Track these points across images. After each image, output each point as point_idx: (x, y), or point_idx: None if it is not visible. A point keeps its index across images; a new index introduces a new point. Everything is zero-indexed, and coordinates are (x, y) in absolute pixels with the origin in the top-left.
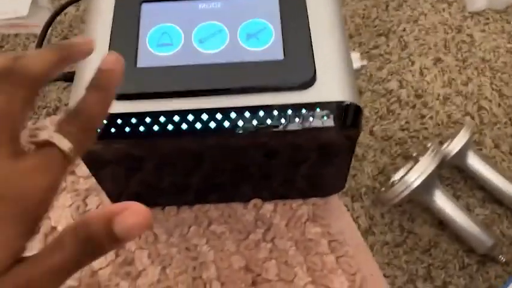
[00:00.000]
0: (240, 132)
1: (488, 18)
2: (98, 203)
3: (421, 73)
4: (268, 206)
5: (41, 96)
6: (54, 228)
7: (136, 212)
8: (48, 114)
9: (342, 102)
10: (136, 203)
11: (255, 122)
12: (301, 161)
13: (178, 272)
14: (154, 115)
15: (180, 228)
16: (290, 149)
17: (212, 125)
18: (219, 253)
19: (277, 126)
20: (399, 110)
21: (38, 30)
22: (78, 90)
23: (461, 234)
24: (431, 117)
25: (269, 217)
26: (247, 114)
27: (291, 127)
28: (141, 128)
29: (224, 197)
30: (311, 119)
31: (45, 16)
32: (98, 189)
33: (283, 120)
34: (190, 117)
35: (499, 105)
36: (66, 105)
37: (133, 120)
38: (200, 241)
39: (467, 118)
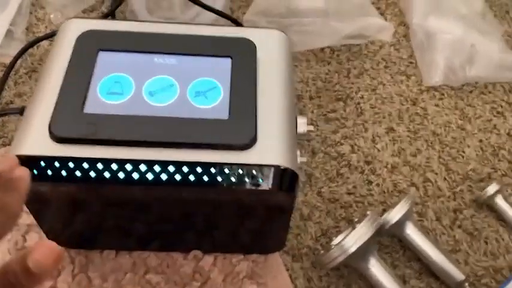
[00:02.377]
0: (177, 185)
1: (443, 94)
2: (37, 239)
3: (373, 140)
4: (208, 259)
5: None
6: None
7: (49, 248)
8: (4, 145)
9: (279, 166)
10: (50, 241)
11: (192, 178)
12: (240, 219)
13: None
14: (92, 161)
15: (116, 274)
16: (228, 207)
17: (149, 176)
18: None
19: (214, 184)
20: (348, 174)
21: (8, 60)
22: (22, 133)
23: None
24: (377, 184)
25: (207, 270)
26: (185, 169)
27: (228, 186)
28: (78, 173)
29: (165, 246)
30: (247, 179)
31: (18, 47)
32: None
33: (219, 178)
34: (129, 167)
35: (445, 179)
36: None
37: (71, 165)
38: None
39: (412, 189)
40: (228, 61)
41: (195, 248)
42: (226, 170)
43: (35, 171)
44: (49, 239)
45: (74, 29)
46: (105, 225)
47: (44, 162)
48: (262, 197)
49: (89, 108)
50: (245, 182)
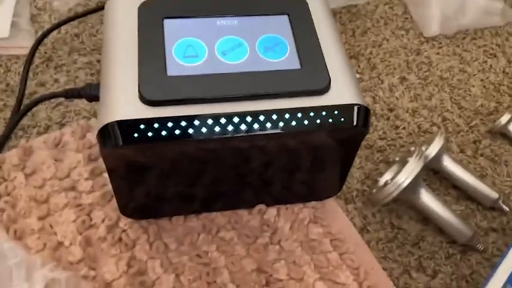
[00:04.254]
0: (266, 133)
1: (440, 43)
2: (103, 216)
3: (390, 90)
4: (272, 211)
5: (30, 116)
6: (60, 244)
7: None
8: (39, 133)
9: (355, 105)
10: None
11: (281, 124)
12: (309, 162)
13: (193, 278)
14: (190, 119)
15: (190, 237)
16: (308, 150)
17: (242, 127)
18: (230, 258)
19: (301, 128)
20: (376, 122)
21: (19, 52)
22: (110, 100)
23: (444, 227)
24: (404, 128)
25: (273, 221)
26: (274, 116)
27: (313, 128)
28: (177, 131)
29: (229, 205)
30: (330, 120)
31: (25, 38)
32: (101, 204)
33: (305, 122)
34: (223, 120)
35: (459, 116)
36: (57, 123)
37: (170, 124)
38: (210, 248)
39: (435, 128)
40: (286, 18)
41: (258, 203)
42: (312, 113)
43: (136, 135)
44: (121, 212)
45: (127, 2)
46: (178, 189)
47: (144, 124)
48: (342, 135)
49: (171, 71)
50: (328, 122)
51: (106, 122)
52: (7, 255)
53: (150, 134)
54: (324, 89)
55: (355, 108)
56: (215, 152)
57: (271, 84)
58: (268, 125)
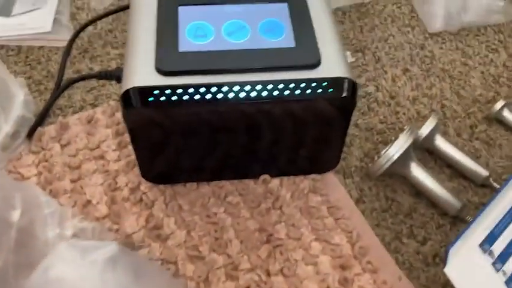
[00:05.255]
0: (264, 101)
1: (444, 38)
2: (127, 181)
3: (393, 80)
4: (275, 181)
5: (66, 98)
6: (89, 202)
7: None
8: (75, 113)
9: (343, 77)
10: None
11: (276, 93)
12: (305, 137)
13: (202, 234)
14: (196, 87)
15: (201, 200)
16: (299, 122)
17: (242, 95)
18: (236, 219)
19: (294, 97)
20: (377, 108)
21: (59, 44)
22: (131, 70)
23: (435, 200)
24: (404, 113)
25: (276, 190)
26: (269, 86)
27: (303, 97)
28: (185, 97)
29: (237, 174)
30: (320, 90)
31: (65, 32)
32: (126, 170)
33: (297, 92)
34: (225, 88)
35: (458, 103)
36: (90, 104)
37: (179, 91)
38: (219, 209)
39: (433, 113)
40: (285, 5)
41: (263, 173)
42: (303, 84)
43: (150, 99)
44: (142, 176)
45: None
46: (189, 159)
47: (158, 90)
48: (331, 105)
49: (183, 47)
50: (318, 93)
51: (127, 88)
52: (43, 206)
53: (162, 98)
54: (315, 64)
55: (345, 81)
56: (220, 117)
57: (269, 59)
58: (264, 93)
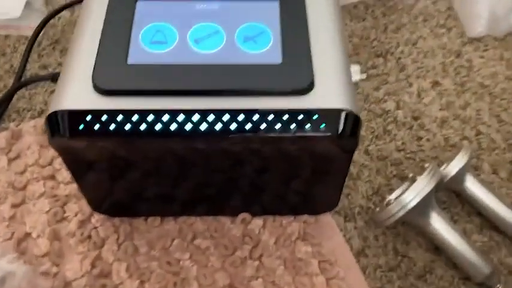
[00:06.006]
0: (233, 136)
1: (487, 45)
2: (77, 210)
3: (419, 95)
4: (258, 222)
5: (27, 99)
6: (28, 234)
7: None
8: (33, 117)
9: (341, 110)
10: None
11: (248, 126)
12: (294, 174)
13: (158, 287)
14: (143, 113)
15: (163, 241)
16: (283, 159)
17: (203, 127)
18: (203, 269)
19: (271, 132)
20: (395, 131)
21: (29, 32)
22: (63, 87)
23: (457, 260)
24: (428, 140)
25: (257, 233)
26: (241, 117)
27: (286, 134)
28: (128, 126)
29: (211, 210)
30: (308, 125)
31: (38, 19)
32: (78, 196)
33: (278, 126)
34: (181, 118)
35: (498, 130)
36: None
37: (120, 118)
38: (183, 255)
39: (465, 142)
40: (276, 4)
41: (243, 211)
42: (286, 117)
43: (81, 126)
44: (92, 208)
45: None
46: (150, 189)
47: (91, 115)
48: (323, 145)
49: (133, 58)
50: (306, 128)
51: (53, 110)
52: None
53: (97, 126)
54: (305, 89)
55: (341, 113)
56: (175, 153)
57: (244, 80)
58: (233, 126)
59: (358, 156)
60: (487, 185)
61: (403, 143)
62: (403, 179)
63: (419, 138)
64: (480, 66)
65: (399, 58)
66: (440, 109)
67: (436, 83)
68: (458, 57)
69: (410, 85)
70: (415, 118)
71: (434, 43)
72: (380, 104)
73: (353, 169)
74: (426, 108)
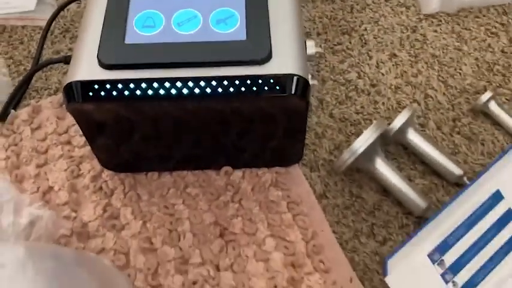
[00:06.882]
0: (208, 98)
1: (440, 20)
2: (90, 168)
3: (377, 66)
4: (238, 173)
5: (44, 80)
6: (51, 188)
7: None
8: (49, 95)
9: (293, 75)
10: None
11: (220, 90)
12: (263, 131)
13: (157, 225)
14: (138, 82)
15: (161, 190)
16: (253, 118)
17: (185, 91)
18: (193, 211)
19: (238, 95)
20: (356, 97)
21: (42, 23)
22: (75, 64)
23: (401, 198)
24: (383, 103)
25: (238, 182)
26: (214, 83)
27: (250, 95)
28: (126, 92)
29: (200, 165)
30: (266, 88)
31: (50, 11)
32: (90, 157)
33: (243, 89)
34: (167, 84)
35: (444, 94)
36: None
37: (120, 86)
38: (177, 201)
39: (415, 104)
40: None
41: (226, 165)
42: (249, 81)
43: (90, 93)
44: (102, 165)
45: None
46: (149, 149)
47: (97, 85)
48: (280, 104)
49: (129, 39)
50: (265, 90)
51: (69, 81)
52: (0, 193)
53: (102, 93)
54: (264, 59)
55: (293, 78)
56: (166, 113)
57: (215, 54)
58: (208, 90)
59: (323, 118)
60: (428, 137)
61: (361, 107)
62: (359, 135)
63: (376, 102)
64: (433, 40)
65: (362, 35)
66: (395, 77)
67: (393, 55)
68: (414, 32)
69: (371, 58)
70: (373, 85)
71: (394, 20)
72: (344, 74)
73: (319, 129)
74: (383, 77)
